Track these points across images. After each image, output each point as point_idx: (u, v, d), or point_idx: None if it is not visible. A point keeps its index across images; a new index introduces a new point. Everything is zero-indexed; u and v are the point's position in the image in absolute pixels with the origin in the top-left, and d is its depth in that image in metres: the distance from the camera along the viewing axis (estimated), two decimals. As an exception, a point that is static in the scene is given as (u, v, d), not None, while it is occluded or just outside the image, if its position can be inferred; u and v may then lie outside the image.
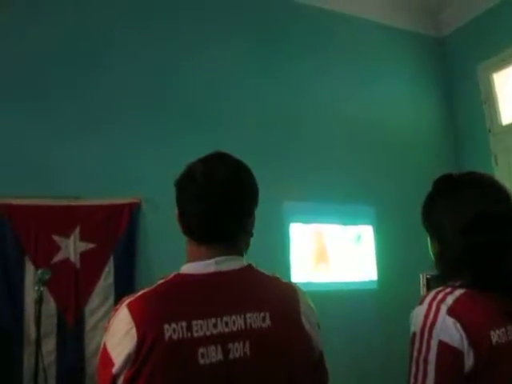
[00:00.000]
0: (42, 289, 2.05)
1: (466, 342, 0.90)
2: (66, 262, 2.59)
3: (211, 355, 0.86)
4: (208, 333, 0.87)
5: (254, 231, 1.05)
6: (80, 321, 2.56)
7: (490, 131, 3.74)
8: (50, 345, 2.44)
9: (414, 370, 0.94)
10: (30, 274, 2.48)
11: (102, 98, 2.92)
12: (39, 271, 2.12)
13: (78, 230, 2.68)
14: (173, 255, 2.69)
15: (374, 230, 3.46)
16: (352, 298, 3.23)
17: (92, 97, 2.89)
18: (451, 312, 0.93)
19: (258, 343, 0.89)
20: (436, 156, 3.92)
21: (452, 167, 3.94)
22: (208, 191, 0.96)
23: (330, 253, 3.31)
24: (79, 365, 2.47)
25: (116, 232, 2.77)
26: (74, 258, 2.62)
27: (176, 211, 1.03)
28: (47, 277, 2.04)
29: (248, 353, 0.88)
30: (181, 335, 0.85)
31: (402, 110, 3.89)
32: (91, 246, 2.68)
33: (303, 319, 0.96)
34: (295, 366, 0.92)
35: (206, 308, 0.89)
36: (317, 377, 0.97)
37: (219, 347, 0.86)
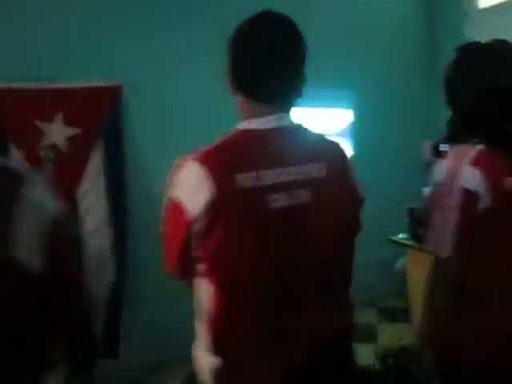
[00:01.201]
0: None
1: (484, 187, 1.06)
2: (52, 147, 2.57)
3: (280, 200, 0.96)
4: (275, 181, 0.96)
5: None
6: (72, 204, 2.63)
7: (465, 14, 3.76)
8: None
9: (437, 215, 1.11)
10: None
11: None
12: (42, 152, 2.10)
13: (61, 115, 2.62)
14: (159, 138, 2.76)
15: (354, 115, 3.57)
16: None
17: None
18: (474, 163, 1.08)
19: (316, 190, 1.01)
20: (412, 39, 3.94)
21: (427, 51, 4.00)
22: (266, 53, 0.99)
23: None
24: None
25: (100, 116, 2.72)
26: (60, 143, 2.60)
27: (228, 70, 1.05)
28: (52, 155, 2.04)
29: (309, 198, 1.00)
30: (252, 184, 0.94)
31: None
32: (77, 130, 2.64)
33: (349, 171, 1.09)
34: (346, 209, 1.06)
35: (271, 159, 0.98)
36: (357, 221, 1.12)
37: (286, 193, 0.97)
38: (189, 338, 1.14)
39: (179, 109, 2.90)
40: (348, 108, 3.55)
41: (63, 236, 0.94)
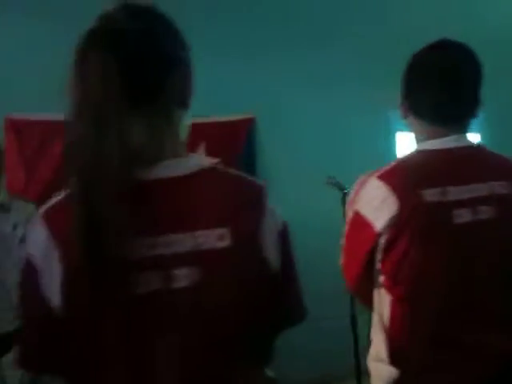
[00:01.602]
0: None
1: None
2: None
3: (464, 216, 1.00)
4: (460, 197, 1.00)
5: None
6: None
7: None
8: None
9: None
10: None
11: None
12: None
13: (202, 147, 2.89)
14: (289, 166, 2.89)
15: (481, 138, 3.44)
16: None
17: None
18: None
19: (500, 207, 1.02)
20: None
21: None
22: (447, 78, 1.06)
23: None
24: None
25: (235, 148, 2.96)
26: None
27: (403, 94, 1.13)
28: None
29: (492, 214, 1.01)
30: (438, 199, 0.99)
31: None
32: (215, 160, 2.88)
33: None
34: None
35: (455, 176, 1.02)
36: None
37: (469, 209, 1.00)
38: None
39: (311, 137, 3.01)
40: (475, 132, 3.43)
41: None
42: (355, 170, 1.12)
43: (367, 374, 1.16)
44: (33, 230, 0.74)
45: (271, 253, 0.78)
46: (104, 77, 0.69)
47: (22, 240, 2.25)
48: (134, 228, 0.68)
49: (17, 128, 2.75)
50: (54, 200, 0.75)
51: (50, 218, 0.73)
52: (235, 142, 2.97)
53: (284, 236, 0.81)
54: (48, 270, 0.71)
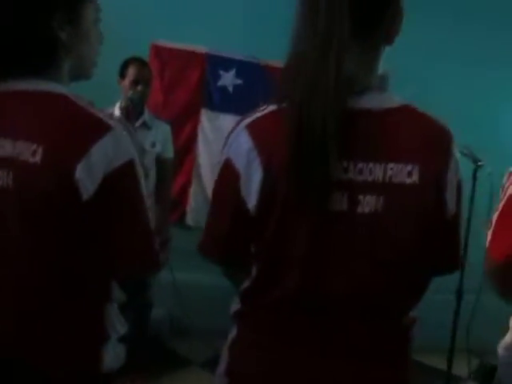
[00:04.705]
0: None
1: None
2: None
3: None
4: None
5: None
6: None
7: None
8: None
9: None
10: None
11: None
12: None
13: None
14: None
15: None
16: None
17: None
18: None
19: None
20: None
21: None
22: None
23: None
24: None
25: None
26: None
27: None
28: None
29: None
30: None
31: None
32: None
33: None
34: None
35: None
36: None
37: None
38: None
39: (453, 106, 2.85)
40: None
41: None
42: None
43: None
44: (236, 139, 0.81)
45: (450, 198, 0.82)
46: (332, 5, 0.73)
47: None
48: (337, 151, 0.73)
49: (160, 54, 2.92)
50: (257, 114, 0.82)
51: (256, 128, 0.80)
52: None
53: (460, 187, 0.84)
54: (248, 176, 0.78)
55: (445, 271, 0.91)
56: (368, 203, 0.76)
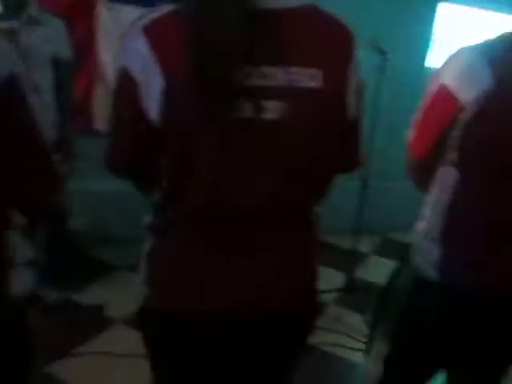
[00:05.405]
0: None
1: None
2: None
3: None
4: None
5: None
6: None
7: None
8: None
9: None
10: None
11: None
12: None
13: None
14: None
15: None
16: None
17: None
18: None
19: None
20: None
21: None
22: None
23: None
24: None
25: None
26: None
27: None
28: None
29: None
30: None
31: None
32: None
33: None
34: None
35: None
36: None
37: None
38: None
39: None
40: None
41: None
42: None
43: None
44: (131, 43, 0.75)
45: (351, 101, 0.84)
46: None
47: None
48: (239, 55, 0.69)
49: None
50: (154, 14, 0.75)
51: (153, 32, 0.73)
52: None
53: (360, 89, 0.86)
54: (148, 83, 0.74)
55: (348, 170, 0.96)
56: (273, 109, 0.75)
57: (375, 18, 2.83)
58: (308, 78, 0.76)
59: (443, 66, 1.05)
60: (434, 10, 3.12)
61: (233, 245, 0.84)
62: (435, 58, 3.16)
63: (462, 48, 1.02)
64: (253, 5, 0.71)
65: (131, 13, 2.58)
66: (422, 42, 3.17)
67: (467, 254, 1.09)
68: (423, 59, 3.21)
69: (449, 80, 1.02)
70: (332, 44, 0.80)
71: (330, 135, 0.83)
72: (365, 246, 3.00)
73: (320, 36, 0.79)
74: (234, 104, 0.72)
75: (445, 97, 1.02)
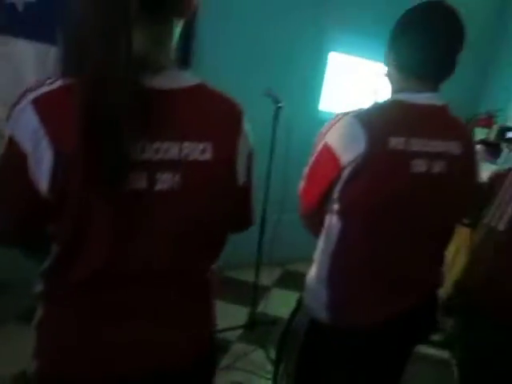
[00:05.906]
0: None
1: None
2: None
3: (420, 167, 1.12)
4: (420, 150, 1.12)
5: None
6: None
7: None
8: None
9: None
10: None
11: None
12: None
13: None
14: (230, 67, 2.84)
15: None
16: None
17: None
18: None
19: (451, 164, 1.16)
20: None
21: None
22: (433, 38, 1.12)
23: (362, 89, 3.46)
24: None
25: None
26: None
27: (389, 46, 1.21)
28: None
29: (444, 171, 1.15)
30: (402, 147, 1.09)
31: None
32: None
33: (475, 153, 1.29)
34: (467, 184, 1.29)
35: (419, 131, 1.13)
36: None
37: (426, 161, 1.12)
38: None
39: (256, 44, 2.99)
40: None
41: None
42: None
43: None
44: (21, 115, 0.75)
45: (241, 169, 0.92)
46: None
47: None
48: (132, 131, 0.73)
49: None
50: (45, 88, 0.75)
51: (44, 105, 0.74)
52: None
53: (251, 157, 0.95)
54: (36, 155, 0.74)
55: (240, 229, 1.04)
56: (165, 180, 0.80)
57: (271, 67, 3.02)
58: (199, 151, 0.82)
59: (328, 127, 1.18)
60: (325, 59, 3.38)
61: (130, 307, 0.86)
62: (327, 101, 3.43)
63: (344, 113, 1.16)
64: (145, 86, 0.76)
65: (21, 47, 2.44)
66: (315, 88, 3.41)
67: (350, 296, 1.21)
68: (317, 102, 3.46)
69: (332, 141, 1.15)
70: (220, 120, 0.87)
71: (222, 201, 0.90)
72: (266, 278, 3.07)
73: (210, 113, 0.86)
74: (125, 177, 0.74)
75: (329, 156, 1.15)
